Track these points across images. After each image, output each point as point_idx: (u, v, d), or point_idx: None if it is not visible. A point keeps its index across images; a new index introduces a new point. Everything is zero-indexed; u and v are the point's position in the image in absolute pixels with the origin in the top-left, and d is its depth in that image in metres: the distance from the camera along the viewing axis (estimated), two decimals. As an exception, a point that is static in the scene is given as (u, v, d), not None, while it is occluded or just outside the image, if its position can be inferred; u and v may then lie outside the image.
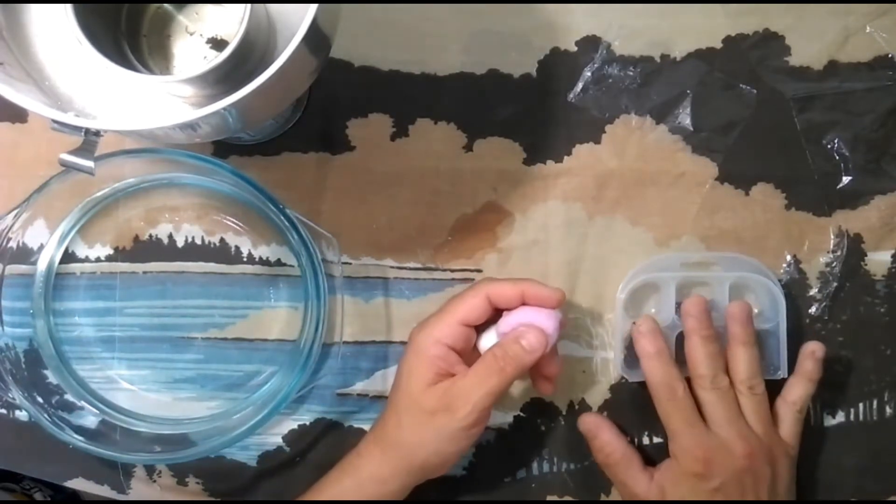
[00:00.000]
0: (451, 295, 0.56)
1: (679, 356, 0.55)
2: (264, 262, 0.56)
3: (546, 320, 0.47)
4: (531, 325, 0.47)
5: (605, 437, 0.53)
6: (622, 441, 0.53)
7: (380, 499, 0.48)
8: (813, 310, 0.57)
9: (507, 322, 0.48)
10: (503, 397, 0.54)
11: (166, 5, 0.44)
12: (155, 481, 0.56)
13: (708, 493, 0.49)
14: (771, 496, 0.50)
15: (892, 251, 0.57)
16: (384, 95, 0.56)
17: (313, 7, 0.36)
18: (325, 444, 0.56)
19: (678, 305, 0.55)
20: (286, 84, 0.40)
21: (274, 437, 0.56)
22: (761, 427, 0.50)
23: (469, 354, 0.49)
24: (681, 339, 0.55)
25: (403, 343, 0.56)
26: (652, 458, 0.56)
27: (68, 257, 0.56)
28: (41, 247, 0.55)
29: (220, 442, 0.51)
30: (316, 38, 0.38)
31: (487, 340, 0.49)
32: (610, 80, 0.57)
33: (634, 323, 0.53)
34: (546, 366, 0.50)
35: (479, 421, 0.47)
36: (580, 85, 0.57)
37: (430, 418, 0.47)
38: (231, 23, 0.43)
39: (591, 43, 0.57)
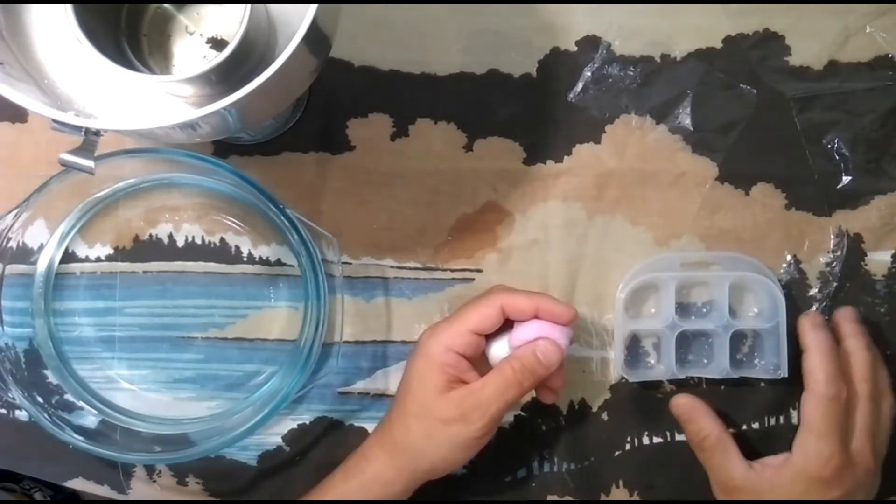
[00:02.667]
0: (452, 294, 0.56)
1: (680, 356, 0.55)
2: (264, 262, 0.56)
3: (559, 336, 0.48)
4: (546, 338, 0.48)
5: (700, 422, 0.52)
6: (718, 425, 0.52)
7: (383, 499, 0.48)
8: (813, 310, 0.57)
9: (520, 336, 0.48)
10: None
11: (166, 5, 0.44)
12: (155, 481, 0.56)
13: (823, 500, 0.48)
14: None
15: (892, 251, 0.57)
16: (384, 95, 0.56)
17: (313, 7, 0.36)
18: (326, 443, 0.56)
19: (678, 305, 0.55)
20: (286, 84, 0.40)
21: (274, 437, 0.56)
22: (883, 444, 0.51)
23: (478, 361, 0.49)
24: (681, 339, 0.55)
25: (404, 342, 0.56)
26: (651, 458, 0.56)
27: (68, 257, 0.56)
28: (41, 247, 0.55)
29: (220, 442, 0.51)
30: (316, 38, 0.38)
31: (498, 349, 0.49)
32: (610, 80, 0.57)
33: (805, 316, 0.53)
34: (553, 378, 0.50)
35: (491, 430, 0.47)
36: (580, 85, 0.57)
37: (442, 426, 0.47)
38: (231, 23, 0.43)
39: (591, 43, 0.57)
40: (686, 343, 0.56)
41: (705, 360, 0.56)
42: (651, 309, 0.56)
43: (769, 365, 0.55)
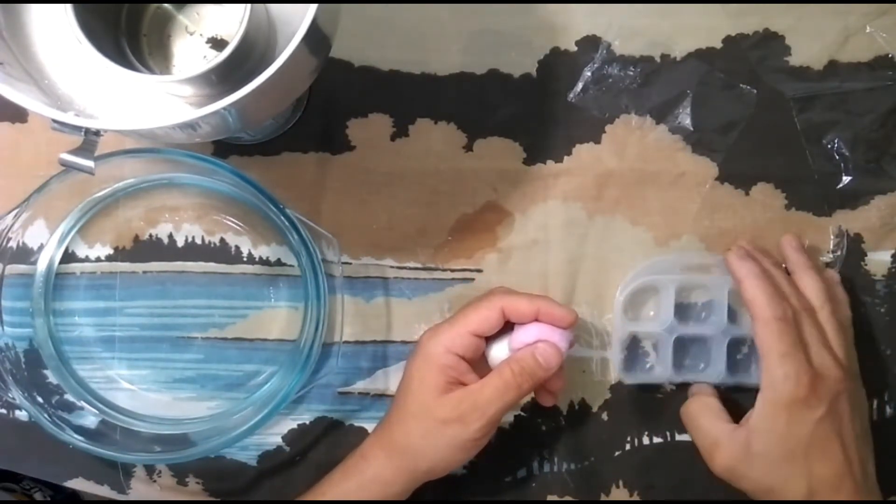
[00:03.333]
0: (452, 295, 0.56)
1: (677, 360, 0.55)
2: (264, 262, 0.56)
3: (559, 339, 0.48)
4: (546, 341, 0.48)
5: (697, 396, 0.53)
6: (713, 393, 0.53)
7: (382, 499, 0.48)
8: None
9: (520, 338, 0.48)
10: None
11: (166, 5, 0.44)
12: (155, 481, 0.56)
13: (812, 424, 0.47)
14: (861, 424, 0.50)
15: (892, 251, 0.57)
16: (384, 95, 0.56)
17: (313, 7, 0.36)
18: (326, 443, 0.56)
19: (678, 307, 0.55)
20: (286, 84, 0.40)
21: (274, 437, 0.56)
22: (843, 352, 0.50)
23: (478, 362, 0.49)
24: (679, 342, 0.55)
25: (404, 343, 0.56)
26: (651, 458, 0.56)
27: (68, 257, 0.56)
28: (41, 247, 0.55)
29: (220, 442, 0.51)
30: (316, 38, 0.38)
31: (498, 351, 0.49)
32: (610, 80, 0.57)
33: (729, 250, 0.52)
34: (552, 381, 0.50)
35: (490, 432, 0.48)
36: (580, 85, 0.57)
37: (441, 427, 0.47)
38: (231, 23, 0.43)
39: (591, 43, 0.57)
40: (684, 346, 0.56)
41: (702, 365, 0.56)
42: (650, 311, 0.56)
43: None
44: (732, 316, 0.55)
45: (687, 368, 0.56)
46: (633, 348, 0.57)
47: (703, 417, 0.51)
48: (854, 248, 0.57)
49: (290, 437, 0.56)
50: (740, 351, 0.56)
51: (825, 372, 0.48)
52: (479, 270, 0.57)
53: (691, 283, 0.55)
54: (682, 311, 0.56)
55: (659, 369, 0.55)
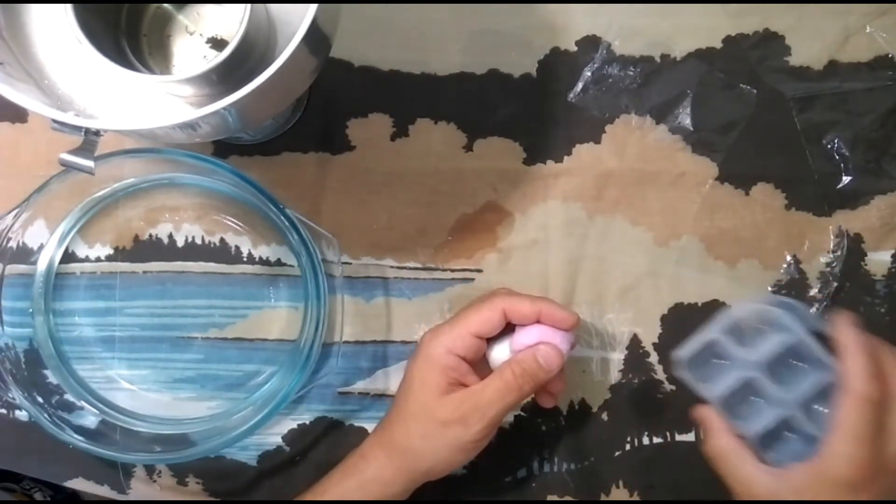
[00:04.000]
0: (452, 295, 0.56)
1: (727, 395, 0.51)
2: (264, 262, 0.56)
3: (561, 341, 0.48)
4: (547, 343, 0.48)
5: (713, 438, 0.48)
6: (730, 434, 0.47)
7: (382, 499, 0.48)
8: (813, 310, 0.57)
9: (522, 340, 0.48)
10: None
11: (166, 5, 0.44)
12: (155, 481, 0.56)
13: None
14: None
15: (892, 251, 0.57)
16: (384, 95, 0.56)
17: (313, 7, 0.36)
18: (326, 443, 0.56)
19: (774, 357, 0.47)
20: (286, 84, 0.40)
21: (274, 437, 0.56)
22: None
23: (479, 364, 0.49)
24: (744, 381, 0.50)
25: (404, 343, 0.56)
26: (651, 458, 0.56)
27: (68, 257, 0.56)
28: (41, 247, 0.55)
29: (220, 442, 0.51)
30: (316, 38, 0.38)
31: (499, 353, 0.49)
32: (610, 80, 0.57)
33: (841, 315, 0.46)
34: (553, 383, 0.50)
35: (490, 433, 0.47)
36: (580, 85, 0.57)
37: (441, 429, 0.47)
38: (231, 23, 0.43)
39: (591, 43, 0.57)
40: (745, 386, 0.47)
41: (743, 413, 0.48)
42: (754, 338, 0.48)
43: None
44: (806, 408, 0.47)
45: (728, 405, 0.48)
46: (705, 353, 0.49)
47: (733, 460, 0.47)
48: (854, 248, 0.57)
49: (290, 437, 0.56)
50: (777, 431, 0.48)
51: (892, 466, 0.45)
52: (479, 270, 0.57)
53: (808, 347, 0.47)
54: (773, 367, 0.47)
55: (710, 385, 0.48)
